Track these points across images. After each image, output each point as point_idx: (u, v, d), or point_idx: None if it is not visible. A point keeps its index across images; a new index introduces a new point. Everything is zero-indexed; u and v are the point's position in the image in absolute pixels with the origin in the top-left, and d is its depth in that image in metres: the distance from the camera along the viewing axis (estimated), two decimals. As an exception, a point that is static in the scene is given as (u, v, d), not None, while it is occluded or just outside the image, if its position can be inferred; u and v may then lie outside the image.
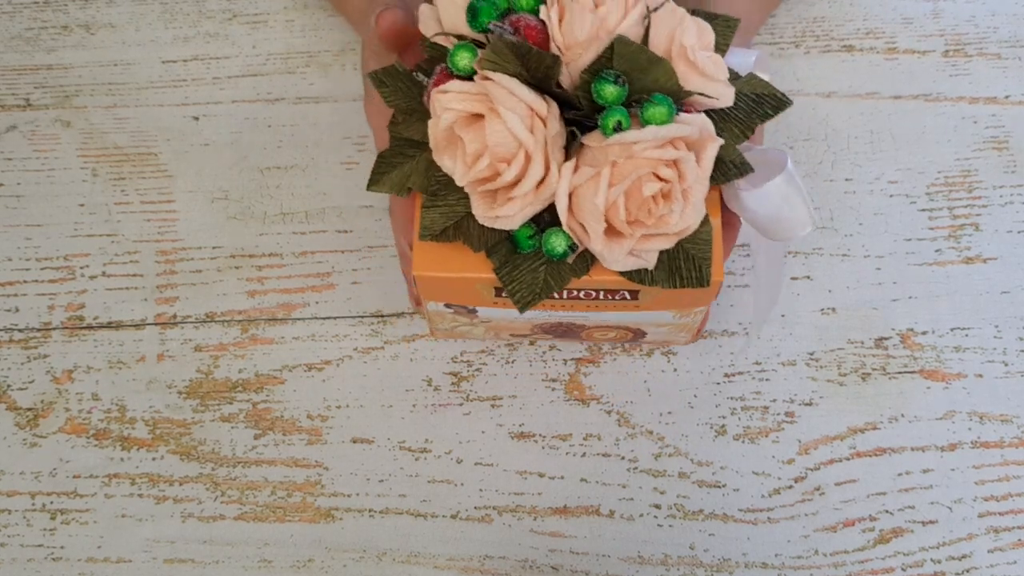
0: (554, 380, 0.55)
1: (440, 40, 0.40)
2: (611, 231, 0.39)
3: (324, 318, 0.57)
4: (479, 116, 0.38)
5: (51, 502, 0.53)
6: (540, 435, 0.54)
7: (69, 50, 0.64)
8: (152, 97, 0.62)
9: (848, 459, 0.53)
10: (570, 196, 0.38)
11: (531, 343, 0.56)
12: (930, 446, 0.53)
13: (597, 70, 0.37)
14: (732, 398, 0.54)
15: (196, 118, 0.62)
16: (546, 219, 0.39)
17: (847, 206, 0.58)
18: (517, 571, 0.52)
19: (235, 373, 0.55)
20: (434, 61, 0.41)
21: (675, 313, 0.46)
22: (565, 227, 0.38)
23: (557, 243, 0.39)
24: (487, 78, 0.37)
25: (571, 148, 0.39)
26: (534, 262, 0.40)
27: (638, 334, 0.51)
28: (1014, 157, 0.59)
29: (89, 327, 0.57)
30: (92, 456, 0.54)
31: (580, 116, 0.39)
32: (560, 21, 0.38)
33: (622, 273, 0.40)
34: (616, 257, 0.38)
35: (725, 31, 0.42)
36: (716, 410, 0.54)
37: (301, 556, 0.52)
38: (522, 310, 0.41)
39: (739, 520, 0.52)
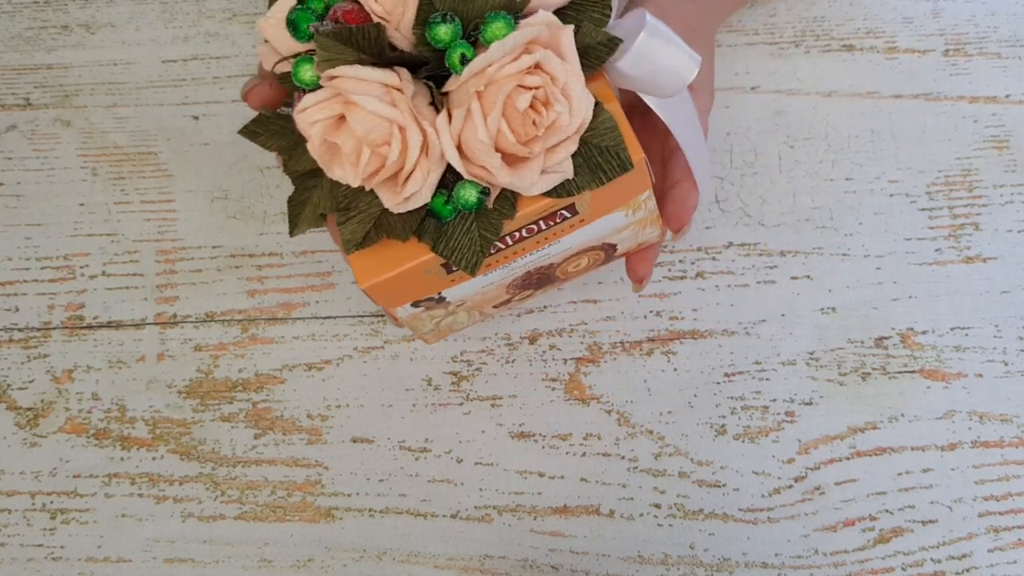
0: (554, 380, 0.55)
1: (282, 67, 0.40)
2: (512, 159, 0.38)
3: (324, 317, 0.57)
4: (343, 117, 0.37)
5: (51, 502, 0.53)
6: (540, 435, 0.54)
7: (69, 50, 0.64)
8: (152, 97, 0.62)
9: (848, 459, 0.53)
10: (459, 147, 0.37)
11: (531, 342, 0.56)
12: (930, 446, 0.53)
13: (425, 19, 0.37)
14: (732, 398, 0.54)
15: (196, 118, 0.62)
16: (451, 179, 0.39)
17: (847, 205, 0.58)
18: (517, 571, 0.52)
19: (235, 373, 0.56)
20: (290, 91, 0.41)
21: (624, 211, 0.44)
22: (468, 176, 0.37)
23: (468, 194, 0.38)
24: (332, 77, 0.37)
25: (437, 103, 0.38)
26: (463, 224, 0.39)
27: (607, 250, 0.48)
28: (1014, 156, 0.59)
29: (89, 327, 0.57)
30: (92, 456, 0.54)
31: (433, 71, 0.38)
32: None
33: (548, 194, 0.39)
34: (531, 181, 0.38)
35: None
36: (716, 410, 0.54)
37: (301, 556, 0.52)
38: (473, 273, 0.40)
39: (739, 520, 0.52)
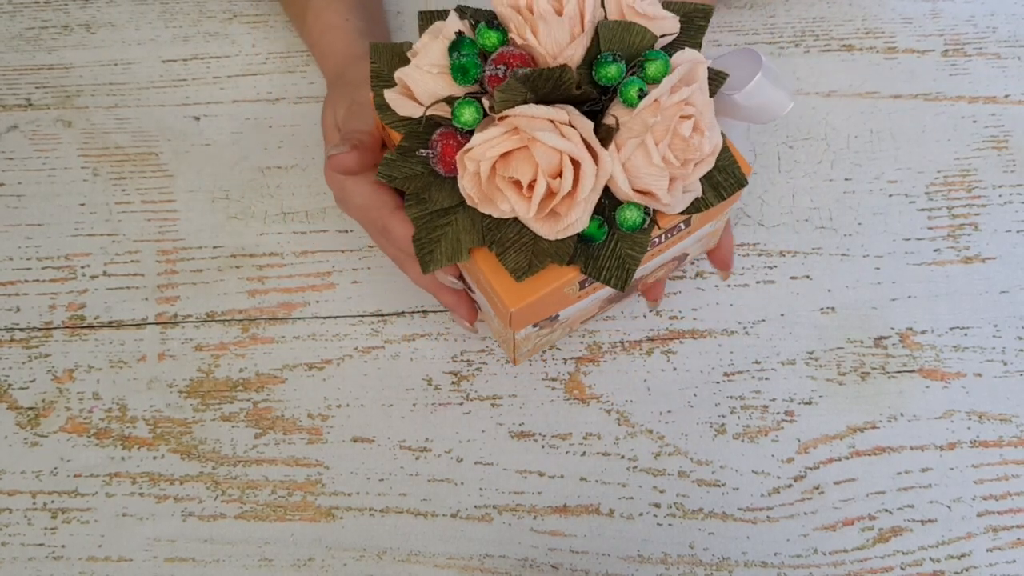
0: (554, 379, 0.55)
1: (432, 111, 0.42)
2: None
3: (324, 317, 0.57)
4: (506, 154, 0.40)
5: (52, 501, 0.53)
6: (540, 434, 0.54)
7: (70, 50, 0.64)
8: (153, 97, 0.62)
9: (847, 458, 0.53)
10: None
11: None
12: (929, 445, 0.53)
13: (591, 60, 0.40)
14: (732, 397, 0.54)
15: (197, 118, 0.62)
16: (604, 203, 0.42)
17: (846, 206, 0.58)
18: (517, 570, 0.52)
19: (236, 372, 0.56)
20: (416, 136, 0.42)
21: (713, 221, 0.49)
22: (630, 199, 0.41)
23: (632, 216, 0.41)
24: (504, 116, 0.39)
25: (598, 134, 0.41)
26: (609, 245, 0.42)
27: (681, 259, 0.53)
28: (1013, 156, 0.60)
29: (90, 326, 0.57)
30: (93, 455, 0.54)
31: (590, 107, 0.41)
32: (535, 35, 0.40)
33: (684, 211, 0.43)
34: (678, 200, 0.41)
35: None
36: (716, 409, 0.54)
37: (301, 555, 0.52)
38: (623, 288, 0.43)
39: (739, 519, 0.52)
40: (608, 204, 0.42)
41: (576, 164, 0.39)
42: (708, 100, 0.41)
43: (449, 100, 0.41)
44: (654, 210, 0.43)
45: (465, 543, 0.52)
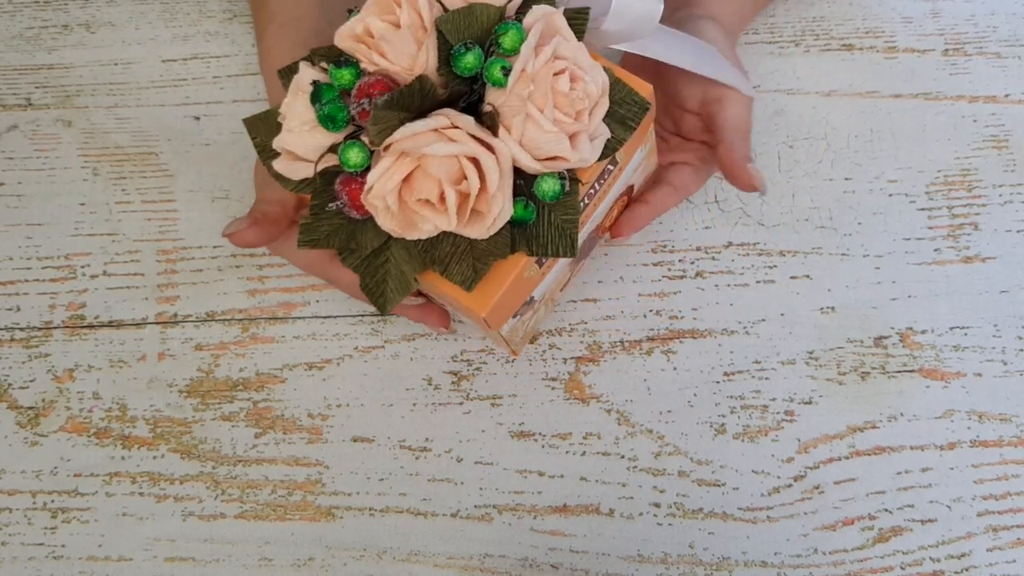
0: (554, 379, 0.55)
1: (323, 163, 0.41)
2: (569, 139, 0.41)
3: (324, 317, 0.57)
4: (407, 178, 0.39)
5: (52, 501, 0.53)
6: (540, 434, 0.54)
7: (70, 49, 0.64)
8: (153, 97, 0.62)
9: (847, 458, 0.53)
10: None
11: (531, 342, 0.56)
12: (929, 445, 0.53)
13: (446, 57, 0.39)
14: (732, 397, 0.54)
15: (197, 118, 0.62)
16: (519, 183, 0.41)
17: (846, 205, 0.58)
18: (517, 569, 0.52)
19: (236, 372, 0.56)
20: (321, 193, 0.42)
21: (641, 147, 0.48)
22: (541, 171, 0.40)
23: (550, 186, 0.40)
24: (387, 145, 0.39)
25: (483, 122, 0.40)
26: (543, 219, 0.42)
27: (628, 192, 0.52)
28: (1014, 156, 0.60)
29: (90, 326, 0.57)
30: (93, 455, 0.54)
31: (466, 101, 0.40)
32: (384, 57, 0.39)
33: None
34: (588, 150, 0.41)
35: None
36: (716, 409, 0.54)
37: (301, 555, 0.52)
38: (574, 254, 0.42)
39: (738, 519, 0.52)
40: (524, 183, 0.41)
41: (474, 161, 0.39)
42: (578, 45, 0.40)
43: (334, 148, 0.40)
44: (569, 171, 0.42)
45: (465, 543, 0.52)
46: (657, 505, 0.53)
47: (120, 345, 0.56)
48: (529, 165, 0.39)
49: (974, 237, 0.58)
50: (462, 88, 0.40)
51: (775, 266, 0.57)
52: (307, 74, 0.40)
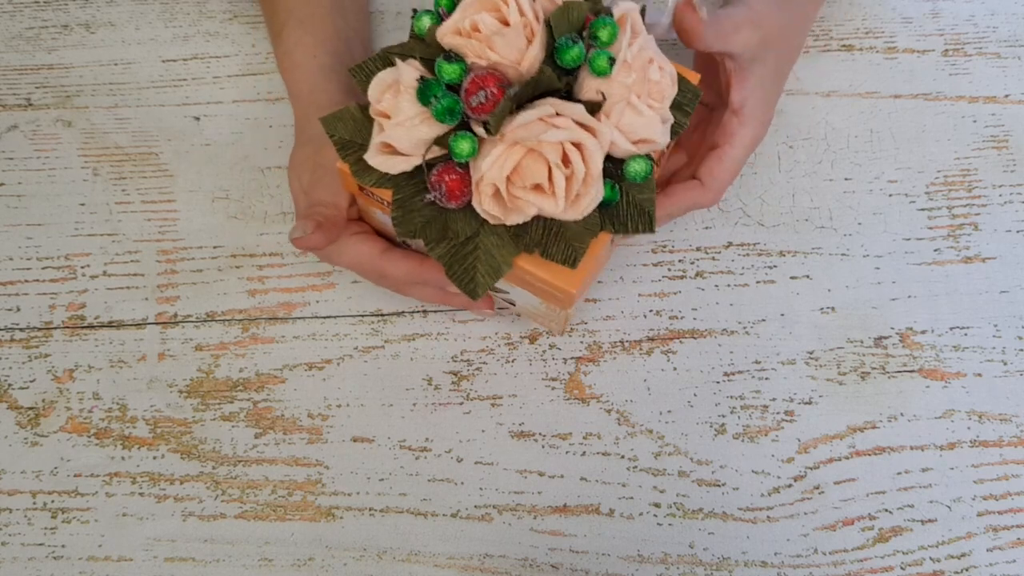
0: (554, 379, 0.55)
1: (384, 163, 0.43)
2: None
3: (324, 317, 0.57)
4: (515, 166, 0.41)
5: (52, 501, 0.53)
6: (540, 434, 0.54)
7: (70, 49, 0.64)
8: (153, 97, 0.62)
9: (847, 458, 0.53)
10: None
11: (531, 342, 0.56)
12: (929, 445, 0.53)
13: (550, 52, 0.42)
14: (732, 397, 0.54)
15: (197, 118, 0.62)
16: (607, 166, 0.43)
17: (846, 205, 0.58)
18: (517, 569, 0.52)
19: (236, 372, 0.56)
20: (406, 187, 0.43)
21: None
22: (632, 153, 0.42)
23: (640, 167, 0.43)
24: (503, 136, 0.41)
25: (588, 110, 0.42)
26: (624, 199, 0.44)
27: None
28: (1013, 156, 0.60)
29: (90, 326, 0.57)
30: (93, 455, 0.54)
31: (562, 93, 0.42)
32: (494, 51, 0.41)
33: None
34: (666, 135, 0.44)
35: None
36: (716, 409, 0.54)
37: (302, 555, 0.52)
38: (653, 229, 0.44)
39: (738, 519, 0.52)
40: (612, 165, 0.43)
41: (578, 146, 0.41)
42: (650, 37, 0.43)
43: (439, 141, 0.42)
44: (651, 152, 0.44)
45: (465, 543, 0.52)
46: (657, 505, 0.53)
47: (120, 345, 0.56)
48: (625, 148, 0.42)
49: (974, 237, 0.58)
50: (555, 78, 0.42)
51: (775, 266, 0.57)
52: (409, 72, 0.42)
